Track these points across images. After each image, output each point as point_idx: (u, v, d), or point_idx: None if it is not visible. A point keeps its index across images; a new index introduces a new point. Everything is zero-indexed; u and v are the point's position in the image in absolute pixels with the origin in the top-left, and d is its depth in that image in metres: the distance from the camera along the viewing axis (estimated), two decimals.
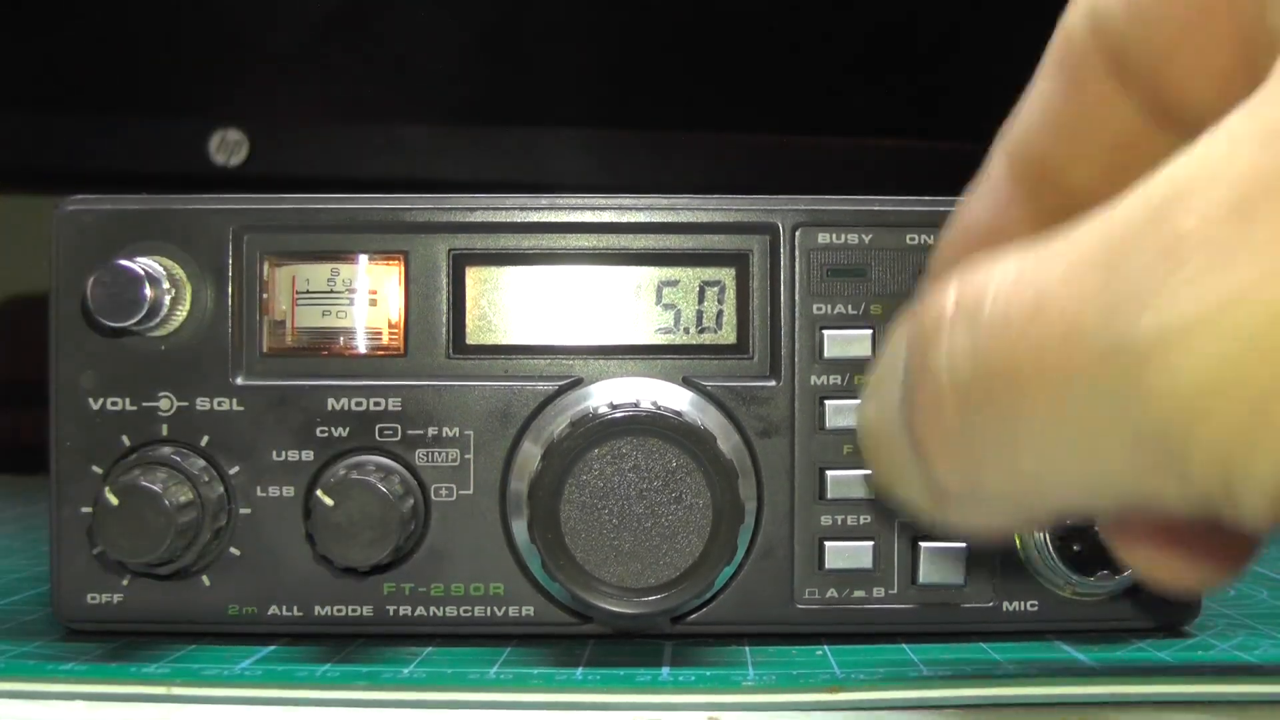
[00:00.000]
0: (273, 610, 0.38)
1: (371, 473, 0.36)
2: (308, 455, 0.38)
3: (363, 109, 0.73)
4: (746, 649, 0.38)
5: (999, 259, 0.21)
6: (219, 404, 0.38)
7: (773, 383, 0.39)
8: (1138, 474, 0.20)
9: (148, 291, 0.36)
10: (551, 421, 0.38)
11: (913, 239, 0.40)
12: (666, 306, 0.40)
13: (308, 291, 0.39)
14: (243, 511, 0.38)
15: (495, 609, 0.38)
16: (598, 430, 0.35)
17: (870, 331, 0.39)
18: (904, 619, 0.39)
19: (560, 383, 0.38)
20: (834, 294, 0.39)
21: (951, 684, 0.33)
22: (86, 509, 0.37)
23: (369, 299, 0.39)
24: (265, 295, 0.38)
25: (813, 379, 0.39)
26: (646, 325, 0.39)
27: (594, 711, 0.33)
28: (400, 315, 0.39)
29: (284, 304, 0.39)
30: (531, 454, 0.38)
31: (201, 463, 0.37)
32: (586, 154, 0.72)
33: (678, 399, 0.38)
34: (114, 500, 0.34)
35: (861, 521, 0.39)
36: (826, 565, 0.39)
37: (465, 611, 0.38)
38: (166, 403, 0.38)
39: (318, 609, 0.38)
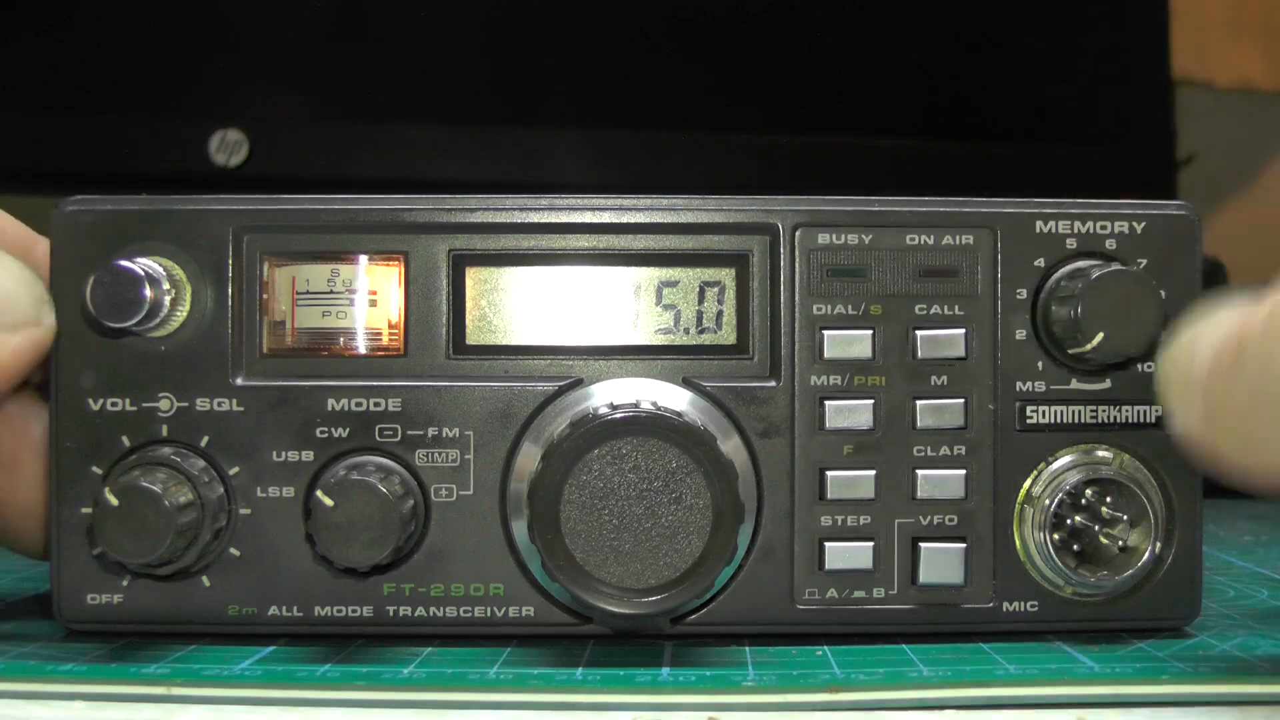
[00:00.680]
0: (273, 610, 0.38)
1: (371, 473, 0.36)
2: (308, 456, 0.38)
3: (363, 109, 0.73)
4: (746, 649, 0.37)
5: None
6: (219, 404, 0.38)
7: (773, 383, 0.39)
8: None
9: (148, 292, 0.36)
10: (551, 422, 0.38)
11: (912, 239, 0.39)
12: (666, 307, 0.39)
13: (308, 292, 0.38)
14: (243, 512, 0.37)
15: (495, 609, 0.38)
16: (598, 431, 0.35)
17: (870, 332, 0.39)
18: (904, 619, 0.39)
19: (560, 383, 0.38)
20: (834, 294, 0.39)
21: (951, 684, 0.33)
22: (86, 509, 0.37)
23: (369, 299, 0.39)
24: (265, 296, 0.38)
25: (813, 379, 0.39)
26: (646, 326, 0.39)
27: (594, 712, 0.33)
28: (400, 316, 0.39)
29: (284, 304, 0.38)
30: (532, 454, 0.37)
31: (201, 463, 0.37)
32: (586, 154, 0.72)
33: (678, 399, 0.38)
34: (114, 501, 0.34)
35: (861, 522, 0.39)
36: (826, 566, 0.39)
37: (465, 612, 0.38)
38: (166, 403, 0.37)
39: (318, 609, 0.38)
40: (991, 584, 0.39)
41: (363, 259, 0.39)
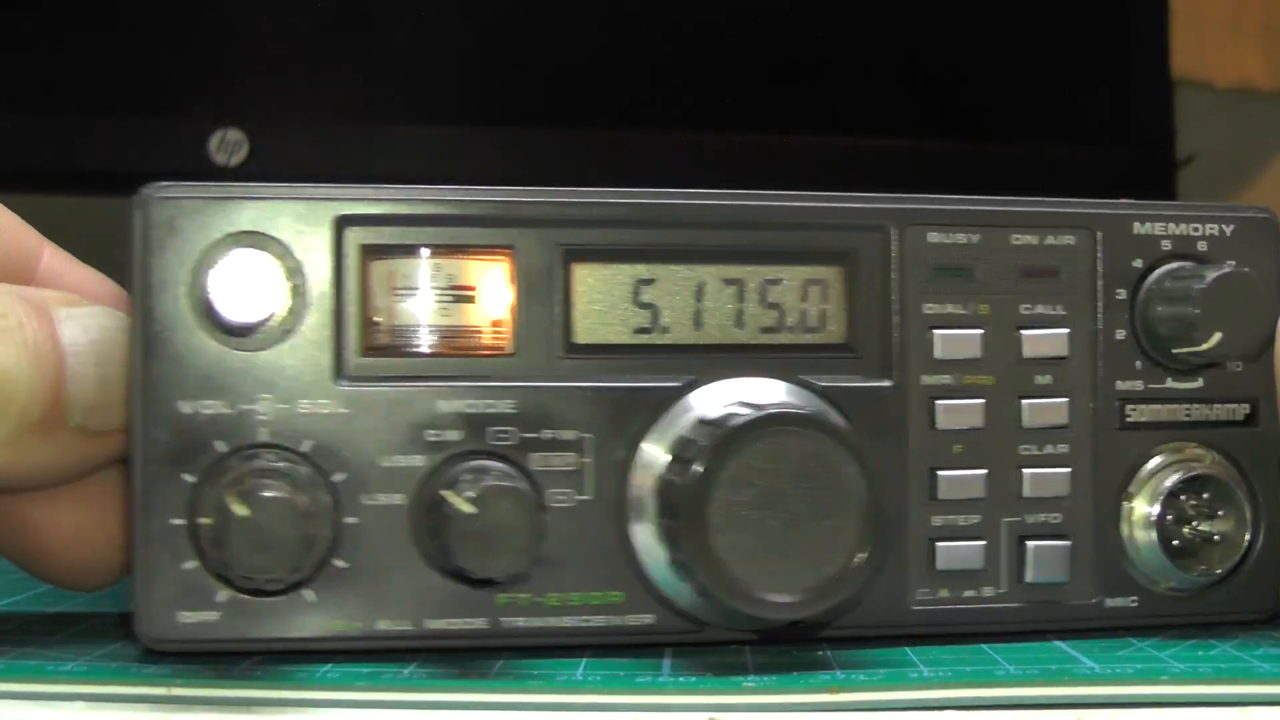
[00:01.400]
0: (381, 625, 0.32)
1: (504, 478, 0.31)
2: (418, 460, 0.33)
3: (363, 109, 0.67)
4: (747, 649, 0.34)
5: None
6: (322, 406, 0.32)
7: (886, 383, 0.35)
8: None
9: (275, 285, 0.30)
10: (675, 422, 0.33)
11: (1017, 239, 0.36)
12: (770, 305, 0.36)
13: (412, 287, 0.33)
14: (348, 521, 0.32)
15: (614, 618, 0.34)
16: (746, 430, 0.31)
17: (980, 331, 0.36)
18: (1012, 618, 0.36)
19: (677, 382, 0.34)
20: (943, 293, 0.36)
21: (951, 684, 0.31)
22: (177, 520, 0.32)
23: (476, 295, 0.34)
24: (367, 291, 0.33)
25: (924, 379, 0.35)
26: (752, 324, 0.35)
27: (594, 712, 0.30)
28: (509, 313, 0.34)
29: (388, 301, 0.33)
30: (654, 456, 0.33)
31: (306, 469, 0.32)
32: (587, 154, 0.67)
33: (804, 400, 0.34)
34: (242, 511, 0.29)
35: (971, 522, 0.36)
36: (939, 566, 0.35)
37: (584, 621, 0.33)
38: (265, 405, 0.32)
39: (429, 623, 0.33)
40: (1094, 581, 0.36)
41: (469, 253, 0.34)
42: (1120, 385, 0.36)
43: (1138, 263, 0.37)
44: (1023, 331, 0.36)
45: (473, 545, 0.30)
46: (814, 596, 0.31)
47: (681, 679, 0.31)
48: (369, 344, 0.33)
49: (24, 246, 0.36)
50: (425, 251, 0.33)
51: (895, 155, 0.68)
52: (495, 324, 0.34)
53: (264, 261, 0.32)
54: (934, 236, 0.36)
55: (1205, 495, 0.36)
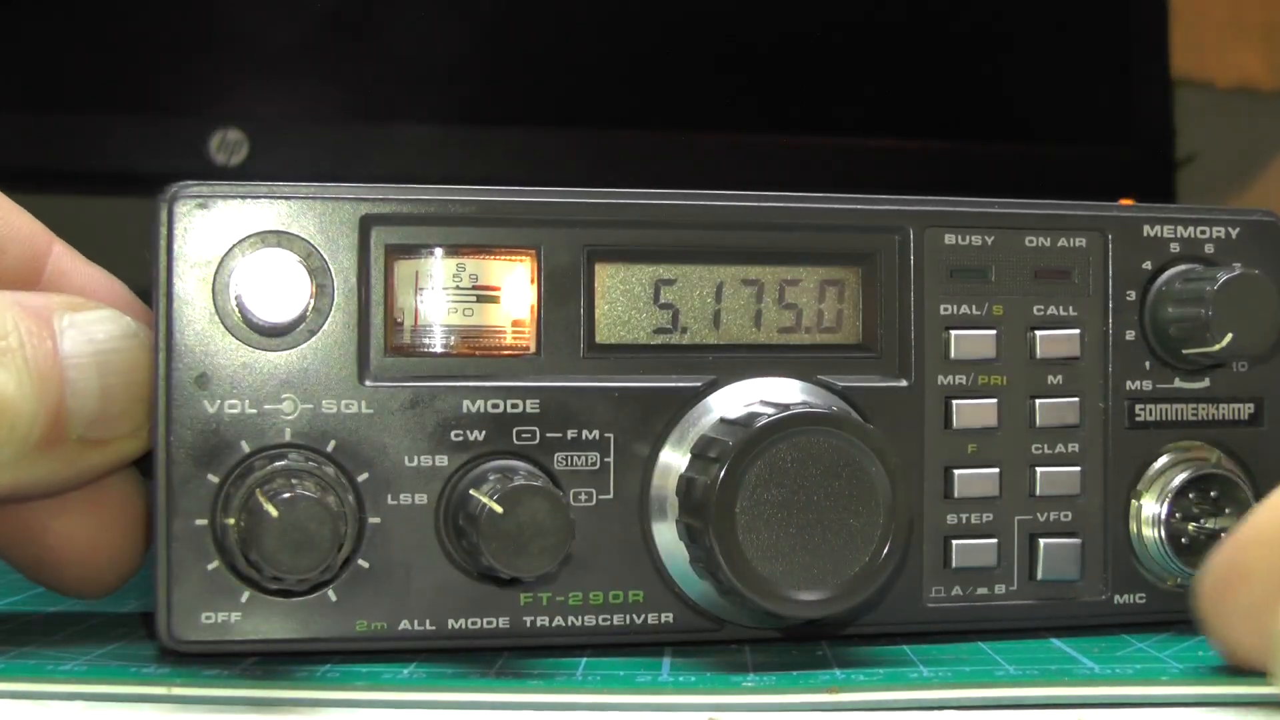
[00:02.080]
0: (404, 625, 0.32)
1: (533, 478, 0.31)
2: (442, 460, 0.32)
3: (363, 109, 0.67)
4: (747, 649, 0.34)
5: None
6: (346, 406, 0.32)
7: (904, 383, 0.35)
8: None
9: (298, 285, 0.30)
10: (697, 422, 0.33)
11: (1030, 241, 0.36)
12: (788, 306, 0.35)
13: (437, 287, 0.33)
14: (372, 521, 0.32)
15: (635, 617, 0.33)
16: (772, 430, 0.31)
17: (994, 332, 0.36)
18: (1023, 615, 0.36)
19: (699, 382, 0.34)
20: (959, 295, 0.36)
21: (951, 684, 0.30)
22: (201, 521, 0.31)
23: (501, 295, 0.33)
24: (392, 291, 0.33)
25: (940, 379, 0.35)
26: (770, 324, 0.35)
27: (594, 712, 0.29)
28: (532, 313, 0.34)
29: (413, 300, 0.33)
30: (676, 456, 0.33)
31: (331, 469, 0.31)
32: (587, 154, 0.67)
33: (823, 399, 0.34)
34: (273, 511, 0.28)
35: (985, 520, 0.35)
36: (953, 564, 0.35)
37: (605, 620, 0.33)
38: (290, 405, 0.32)
39: (451, 623, 0.32)
40: (1103, 578, 0.36)
41: (494, 253, 0.33)
42: (1129, 385, 0.37)
43: (1147, 264, 0.37)
44: (1036, 332, 0.36)
45: (501, 545, 0.29)
46: (839, 594, 0.31)
47: (681, 679, 0.31)
48: (393, 344, 0.33)
49: (34, 244, 0.35)
50: (450, 251, 0.33)
51: (895, 155, 0.68)
52: (517, 324, 0.34)
53: (289, 261, 0.31)
54: (950, 238, 0.36)
55: (1212, 493, 0.37)
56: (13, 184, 0.37)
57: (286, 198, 0.32)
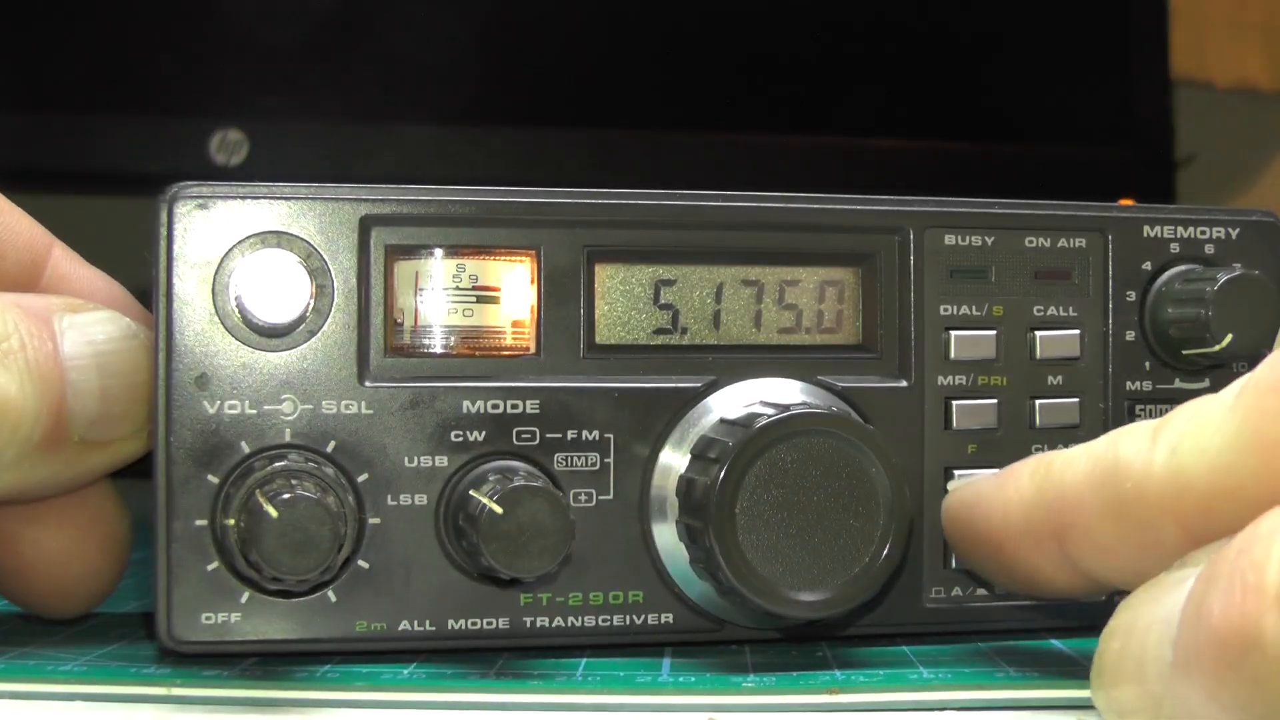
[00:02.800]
0: (403, 625, 0.32)
1: (533, 479, 0.31)
2: (442, 461, 0.32)
3: (363, 109, 0.66)
4: (747, 650, 0.34)
5: None
6: (346, 407, 0.32)
7: (904, 383, 0.35)
8: None
9: (298, 286, 0.30)
10: (697, 423, 0.33)
11: (1030, 242, 0.36)
12: (788, 306, 0.35)
13: (437, 288, 0.33)
14: (372, 521, 0.32)
15: (634, 617, 0.33)
16: (773, 431, 0.31)
17: (994, 332, 0.36)
18: (1022, 616, 0.36)
19: (699, 383, 0.34)
20: (959, 295, 0.36)
21: (951, 685, 0.30)
22: (201, 521, 0.31)
23: (501, 296, 0.33)
24: (392, 291, 0.33)
25: (940, 379, 0.35)
26: (770, 325, 0.35)
27: (594, 712, 0.29)
28: (532, 313, 0.33)
29: (413, 301, 0.33)
30: (676, 457, 0.33)
31: (331, 470, 0.31)
32: (587, 154, 0.67)
33: (823, 399, 0.34)
34: (273, 512, 0.28)
35: None
36: (953, 564, 0.35)
37: (604, 621, 0.33)
38: (290, 406, 0.32)
39: (451, 623, 0.32)
40: None
41: (494, 253, 0.33)
42: (1130, 385, 0.36)
43: (1147, 265, 0.37)
44: (1036, 333, 0.36)
45: (503, 546, 0.29)
46: (839, 594, 0.31)
47: (681, 679, 0.31)
48: (393, 344, 0.33)
49: (34, 246, 0.35)
50: (450, 252, 0.33)
51: (895, 155, 0.68)
52: (517, 324, 0.33)
53: (289, 261, 0.31)
54: (950, 239, 0.36)
55: None
56: (12, 184, 0.37)
57: (286, 198, 0.32)
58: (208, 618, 0.31)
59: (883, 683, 0.30)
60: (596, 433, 0.33)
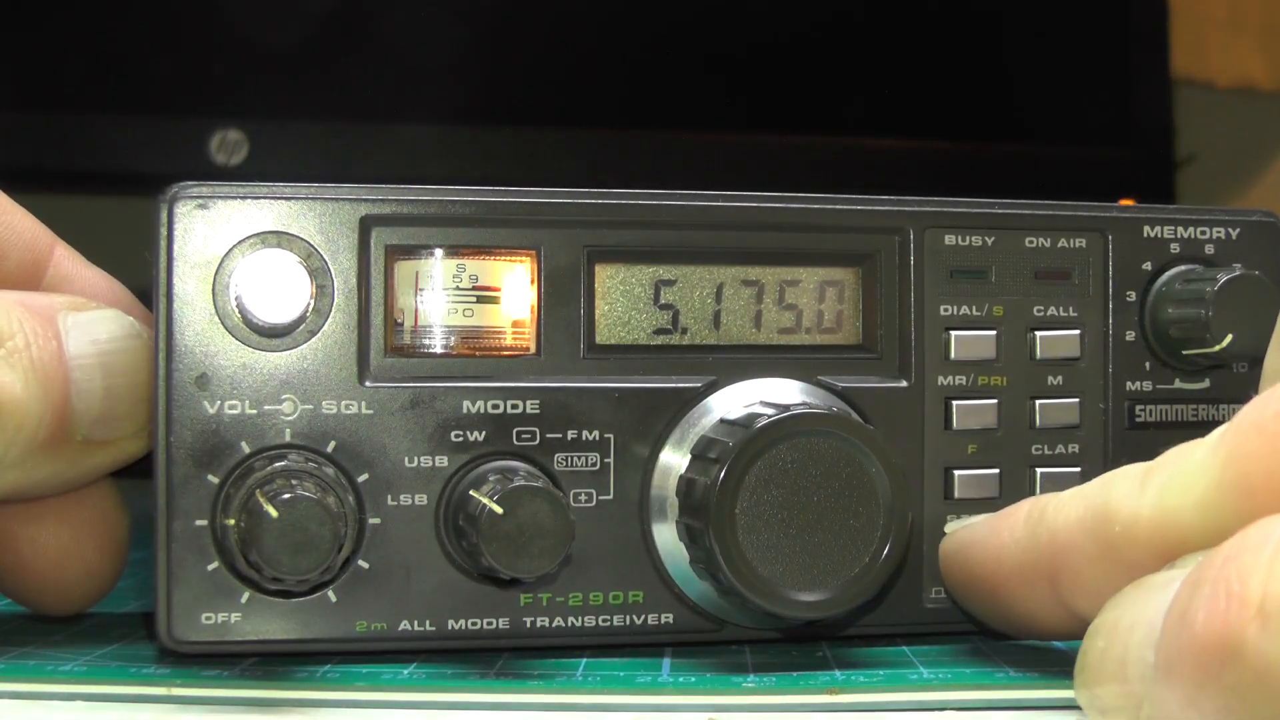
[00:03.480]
0: (404, 626, 0.32)
1: (534, 479, 0.31)
2: (442, 461, 0.32)
3: (363, 109, 0.66)
4: (747, 650, 0.34)
5: None
6: (346, 407, 0.32)
7: (904, 383, 0.35)
8: None
9: (298, 286, 0.30)
10: (697, 423, 0.33)
11: (1030, 242, 0.36)
12: (788, 306, 0.35)
13: (437, 288, 0.33)
14: (372, 521, 0.32)
15: (634, 617, 0.33)
16: (774, 430, 0.31)
17: (994, 333, 0.36)
18: None
19: (699, 383, 0.34)
20: (959, 295, 0.36)
21: (951, 685, 0.30)
22: (201, 521, 0.31)
23: (501, 296, 0.33)
24: (392, 291, 0.33)
25: (940, 379, 0.35)
26: (770, 325, 0.35)
27: (594, 712, 0.29)
28: (532, 313, 0.33)
29: (413, 301, 0.33)
30: (677, 457, 0.33)
31: (331, 470, 0.31)
32: (587, 154, 0.67)
33: (824, 400, 0.34)
34: (273, 512, 0.28)
35: None
36: None
37: (604, 621, 0.33)
38: (290, 406, 0.32)
39: (451, 623, 0.32)
40: None
41: (494, 253, 0.33)
42: (1130, 386, 0.36)
43: (1147, 265, 0.37)
44: (1036, 333, 0.36)
45: (504, 546, 0.29)
46: (839, 594, 0.31)
47: (681, 679, 0.31)
48: (393, 344, 0.33)
49: (37, 245, 0.35)
50: (450, 252, 0.33)
51: (895, 155, 0.68)
52: (517, 324, 0.33)
53: (289, 261, 0.31)
54: (950, 239, 0.36)
55: None
56: (13, 184, 0.37)
57: (286, 198, 0.32)
58: (208, 618, 0.31)
59: (883, 683, 0.31)
60: (597, 433, 0.33)
